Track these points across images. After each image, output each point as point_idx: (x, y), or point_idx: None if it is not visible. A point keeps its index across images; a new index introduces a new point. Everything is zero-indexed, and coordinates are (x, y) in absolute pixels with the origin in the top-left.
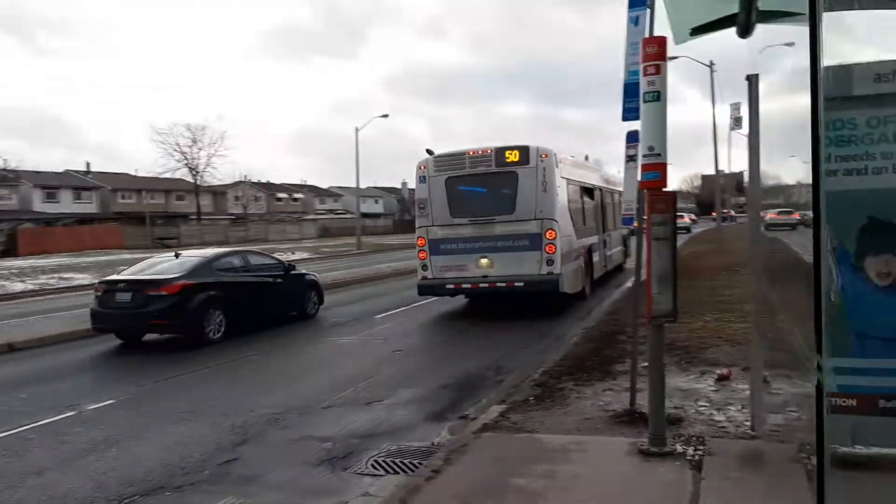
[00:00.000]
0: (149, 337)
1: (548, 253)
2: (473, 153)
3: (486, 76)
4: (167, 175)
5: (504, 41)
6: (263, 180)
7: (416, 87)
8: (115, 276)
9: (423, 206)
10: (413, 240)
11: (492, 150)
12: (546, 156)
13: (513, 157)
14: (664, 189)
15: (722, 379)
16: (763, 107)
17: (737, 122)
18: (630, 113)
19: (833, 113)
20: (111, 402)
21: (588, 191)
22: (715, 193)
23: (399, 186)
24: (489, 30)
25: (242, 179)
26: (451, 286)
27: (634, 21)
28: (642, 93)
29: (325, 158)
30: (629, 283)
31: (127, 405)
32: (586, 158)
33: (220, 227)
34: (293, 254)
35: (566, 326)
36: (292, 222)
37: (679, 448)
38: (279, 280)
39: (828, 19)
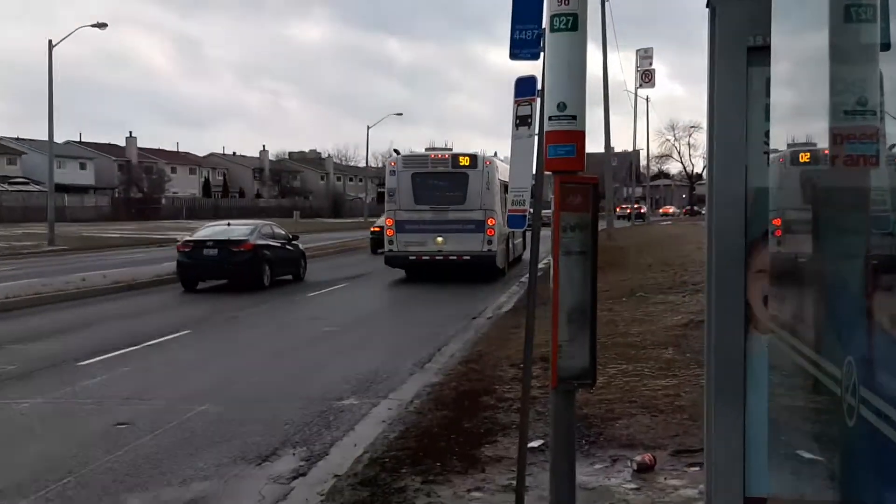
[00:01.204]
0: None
1: (488, 235)
2: (434, 156)
3: None
4: None
5: None
6: None
7: None
8: (202, 236)
9: (392, 194)
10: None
11: (449, 156)
12: (489, 162)
13: (465, 161)
14: (582, 173)
15: (643, 469)
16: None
17: (646, 77)
18: (522, 47)
19: None
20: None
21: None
22: (605, 180)
23: (122, 144)
24: None
25: None
26: (413, 258)
27: None
28: (549, 16)
29: None
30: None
31: None
32: (495, 154)
33: None
34: None
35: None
36: None
37: None
38: (288, 247)
39: None
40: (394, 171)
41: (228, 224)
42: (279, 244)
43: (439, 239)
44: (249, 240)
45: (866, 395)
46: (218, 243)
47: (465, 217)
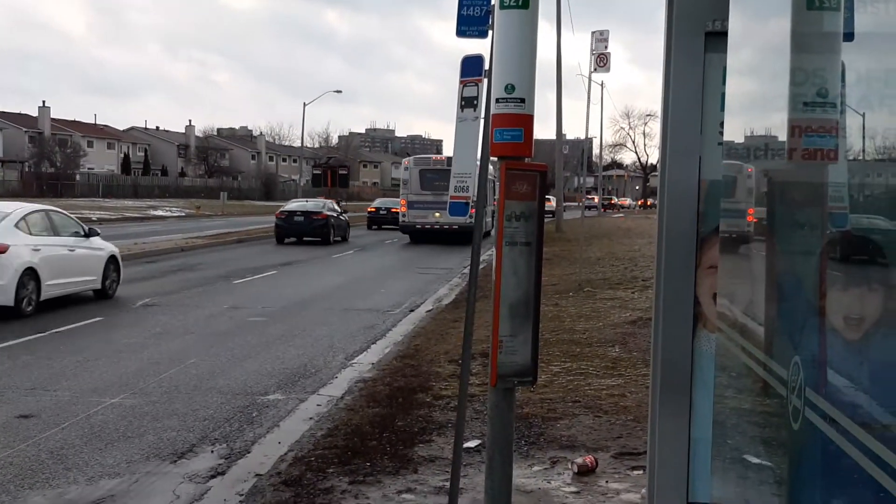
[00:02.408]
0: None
1: (471, 212)
2: (435, 158)
3: None
4: None
5: None
6: None
7: None
8: (291, 208)
9: (405, 183)
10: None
11: (445, 158)
12: None
13: None
14: (529, 160)
15: (584, 472)
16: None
17: (601, 60)
18: (470, 24)
19: None
20: None
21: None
22: (556, 168)
23: (35, 114)
24: None
25: None
26: (419, 227)
27: None
28: None
29: None
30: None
31: None
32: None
33: None
34: None
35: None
36: None
37: None
38: (340, 217)
39: None
40: (407, 168)
41: (307, 201)
42: (336, 215)
43: (437, 214)
44: (323, 211)
45: (812, 396)
46: (303, 213)
47: None
